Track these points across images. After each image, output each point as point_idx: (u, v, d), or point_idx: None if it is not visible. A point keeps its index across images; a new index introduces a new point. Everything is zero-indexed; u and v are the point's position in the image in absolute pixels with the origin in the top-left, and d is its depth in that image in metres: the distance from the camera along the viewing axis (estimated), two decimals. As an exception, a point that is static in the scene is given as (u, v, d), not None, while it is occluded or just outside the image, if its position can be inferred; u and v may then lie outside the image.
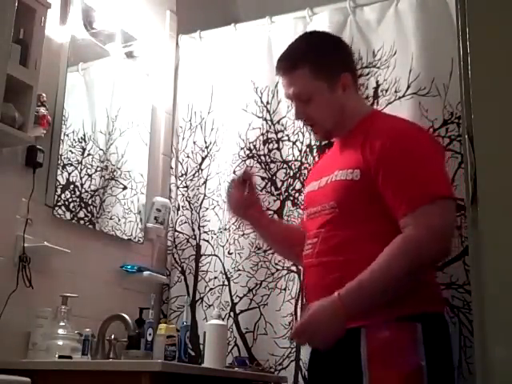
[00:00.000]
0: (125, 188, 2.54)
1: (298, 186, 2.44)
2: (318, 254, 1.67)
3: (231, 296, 2.47)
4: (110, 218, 2.45)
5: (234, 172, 2.54)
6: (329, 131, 1.78)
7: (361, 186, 1.63)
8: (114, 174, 2.51)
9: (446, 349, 1.68)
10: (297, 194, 2.43)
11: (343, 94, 1.72)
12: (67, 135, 2.30)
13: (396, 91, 2.31)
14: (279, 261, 2.40)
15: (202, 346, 2.21)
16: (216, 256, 2.57)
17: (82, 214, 2.33)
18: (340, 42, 1.86)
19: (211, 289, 2.54)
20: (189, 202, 2.70)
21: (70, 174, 2.29)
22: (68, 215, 2.27)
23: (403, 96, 2.29)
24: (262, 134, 2.56)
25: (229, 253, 2.52)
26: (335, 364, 1.59)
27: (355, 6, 2.48)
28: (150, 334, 2.02)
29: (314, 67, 1.70)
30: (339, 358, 1.57)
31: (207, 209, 2.64)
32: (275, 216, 2.43)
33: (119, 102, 2.58)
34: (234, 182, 1.92)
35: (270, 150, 2.54)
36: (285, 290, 2.37)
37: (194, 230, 2.66)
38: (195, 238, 2.64)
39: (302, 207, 1.95)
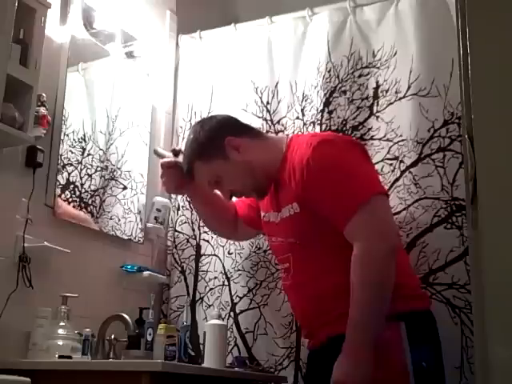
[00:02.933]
0: (125, 188, 2.54)
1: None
2: (293, 277, 1.80)
3: (231, 296, 2.47)
4: (110, 218, 2.45)
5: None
6: (258, 189, 1.87)
7: (305, 216, 1.72)
8: (114, 173, 2.51)
9: (432, 345, 1.69)
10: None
11: (240, 155, 1.81)
12: (67, 135, 2.30)
13: (396, 92, 2.31)
14: (279, 261, 2.40)
15: (202, 346, 2.21)
16: (216, 256, 2.57)
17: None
18: (207, 121, 1.93)
19: (211, 289, 2.54)
20: (189, 202, 2.69)
21: (69, 174, 2.29)
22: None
23: (404, 97, 2.29)
24: (262, 134, 2.56)
25: (229, 253, 2.52)
26: (329, 366, 1.60)
27: (355, 6, 2.48)
28: (150, 334, 2.02)
29: (201, 156, 1.84)
30: (332, 361, 1.59)
31: (207, 209, 2.64)
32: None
33: (119, 102, 2.57)
34: (163, 166, 2.02)
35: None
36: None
37: (193, 230, 2.65)
38: (195, 238, 2.64)
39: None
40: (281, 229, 1.81)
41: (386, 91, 2.34)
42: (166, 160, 2.03)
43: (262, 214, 1.93)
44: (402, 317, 1.62)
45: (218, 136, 1.84)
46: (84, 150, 2.38)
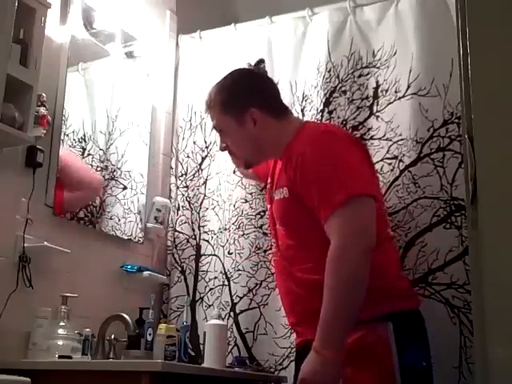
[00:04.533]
0: (125, 188, 2.54)
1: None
2: (278, 262, 1.86)
3: (231, 296, 2.47)
4: (110, 218, 2.45)
5: (234, 172, 2.54)
6: (249, 162, 1.97)
7: (292, 202, 1.74)
8: (114, 173, 2.51)
9: (426, 344, 1.69)
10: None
11: (255, 128, 1.84)
12: (67, 135, 2.30)
13: (396, 91, 2.31)
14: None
15: (202, 346, 2.21)
16: (216, 256, 2.57)
17: (81, 214, 2.33)
18: (252, 79, 1.96)
19: (211, 289, 2.54)
20: (189, 202, 2.70)
21: (70, 173, 2.30)
22: (68, 215, 2.27)
23: (403, 96, 2.29)
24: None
25: (229, 253, 2.52)
26: None
27: (355, 6, 2.48)
28: (149, 334, 2.02)
29: (222, 104, 1.88)
30: None
31: (207, 209, 2.64)
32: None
33: (119, 102, 2.57)
34: None
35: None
36: (285, 289, 2.36)
37: (194, 230, 2.66)
38: (195, 238, 2.64)
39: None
40: (274, 210, 1.85)
41: (386, 91, 2.34)
42: None
43: (268, 181, 1.96)
44: (390, 317, 1.62)
45: (245, 101, 1.86)
46: (84, 149, 2.38)
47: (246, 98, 1.87)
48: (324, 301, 1.57)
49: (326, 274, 1.58)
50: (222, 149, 1.97)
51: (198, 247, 2.63)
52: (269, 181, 1.96)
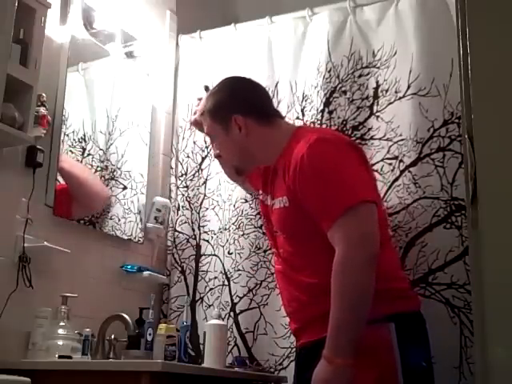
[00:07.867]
0: (125, 188, 2.54)
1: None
2: (280, 269, 1.85)
3: (231, 296, 2.47)
4: (110, 218, 2.46)
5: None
6: (240, 169, 1.98)
7: (293, 211, 1.73)
8: (114, 173, 2.51)
9: (427, 345, 1.70)
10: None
11: (240, 135, 1.86)
12: (67, 135, 2.30)
13: (396, 91, 2.31)
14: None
15: (202, 346, 2.21)
16: (216, 256, 2.57)
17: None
18: (238, 86, 1.97)
19: (211, 289, 2.54)
20: (189, 202, 2.70)
21: (70, 173, 2.30)
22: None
23: (403, 96, 2.29)
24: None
25: (229, 253, 2.52)
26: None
27: (355, 6, 2.48)
28: (150, 334, 2.02)
29: (210, 111, 1.92)
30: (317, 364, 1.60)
31: (207, 209, 2.64)
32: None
33: (119, 102, 2.57)
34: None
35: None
36: (285, 289, 2.36)
37: (194, 230, 2.66)
38: (195, 238, 2.64)
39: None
40: (273, 218, 1.84)
41: (386, 91, 2.34)
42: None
43: (260, 191, 1.97)
44: (392, 318, 1.62)
45: (228, 107, 1.88)
46: (84, 150, 2.38)
47: (229, 104, 1.89)
48: (332, 311, 1.57)
49: (332, 286, 1.58)
50: (216, 156, 2.00)
51: (198, 247, 2.63)
52: (261, 190, 1.95)
